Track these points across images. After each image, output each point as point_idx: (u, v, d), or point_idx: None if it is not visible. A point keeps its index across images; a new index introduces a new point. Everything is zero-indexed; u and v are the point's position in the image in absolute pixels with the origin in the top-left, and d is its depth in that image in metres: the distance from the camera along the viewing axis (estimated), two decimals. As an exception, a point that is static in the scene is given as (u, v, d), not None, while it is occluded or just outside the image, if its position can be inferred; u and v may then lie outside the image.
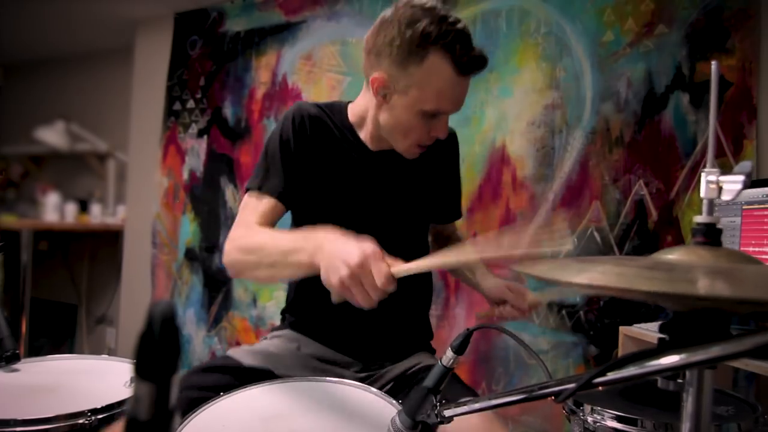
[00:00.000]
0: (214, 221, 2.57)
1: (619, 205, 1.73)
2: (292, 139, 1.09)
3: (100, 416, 0.90)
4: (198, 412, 0.83)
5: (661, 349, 0.48)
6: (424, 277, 1.26)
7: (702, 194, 0.56)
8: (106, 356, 1.23)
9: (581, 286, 0.48)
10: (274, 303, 2.36)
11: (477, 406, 0.64)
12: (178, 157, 2.73)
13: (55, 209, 3.14)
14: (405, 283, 1.19)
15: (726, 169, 0.55)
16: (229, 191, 2.53)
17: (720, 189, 0.55)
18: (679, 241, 1.65)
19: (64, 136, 3.31)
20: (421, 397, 0.69)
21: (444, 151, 1.25)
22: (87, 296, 3.45)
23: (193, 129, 2.69)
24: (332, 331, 1.15)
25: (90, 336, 3.42)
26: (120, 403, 0.93)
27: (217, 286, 2.55)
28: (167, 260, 2.73)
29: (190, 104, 2.71)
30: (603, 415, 0.94)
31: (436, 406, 0.69)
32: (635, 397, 1.02)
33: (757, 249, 1.23)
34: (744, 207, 1.26)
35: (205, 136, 2.65)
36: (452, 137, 1.27)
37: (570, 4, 1.83)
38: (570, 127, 1.82)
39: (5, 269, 2.80)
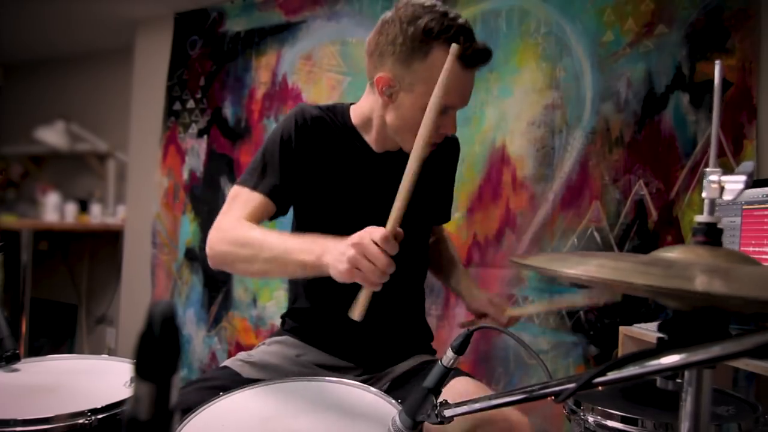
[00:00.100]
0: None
1: (619, 205, 1.73)
2: (294, 139, 1.08)
3: (100, 416, 0.89)
4: (198, 412, 0.83)
5: (661, 348, 0.48)
6: (417, 281, 1.26)
7: (704, 194, 0.57)
8: (106, 356, 1.23)
9: (579, 279, 0.48)
10: (274, 303, 2.36)
11: (477, 406, 0.64)
12: (178, 157, 2.73)
13: (55, 209, 3.14)
14: (399, 287, 1.19)
15: (726, 170, 0.55)
16: (228, 191, 2.53)
17: (722, 189, 0.55)
18: (679, 241, 1.65)
19: (64, 136, 3.31)
20: (421, 397, 0.69)
21: (446, 156, 1.25)
22: (87, 296, 3.45)
23: (193, 129, 2.69)
24: (332, 337, 1.15)
25: (90, 336, 3.42)
26: (120, 403, 0.93)
27: (217, 286, 2.54)
28: (167, 260, 2.73)
29: (190, 104, 2.71)
30: (603, 415, 0.94)
31: (436, 406, 0.69)
32: (635, 396, 1.02)
33: (757, 249, 1.23)
34: (744, 207, 1.26)
35: (205, 136, 2.65)
36: (455, 142, 1.27)
37: (570, 4, 1.83)
38: (570, 127, 1.82)
39: (5, 269, 2.80)
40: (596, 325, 1.74)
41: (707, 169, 0.56)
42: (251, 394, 0.91)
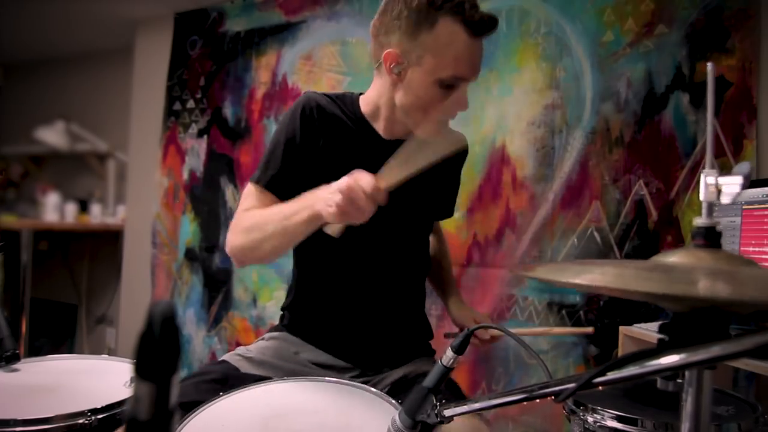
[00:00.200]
0: (214, 221, 2.57)
1: (619, 205, 1.73)
2: (299, 130, 1.08)
3: (100, 416, 0.90)
4: (198, 412, 0.83)
5: (661, 349, 0.48)
6: (418, 277, 1.26)
7: (701, 197, 0.57)
8: (106, 356, 1.23)
9: (581, 287, 0.49)
10: (274, 303, 2.36)
11: (477, 406, 0.64)
12: (178, 157, 2.73)
13: (55, 209, 3.14)
14: (399, 284, 1.19)
15: (726, 169, 0.55)
16: (229, 191, 2.53)
17: (719, 191, 0.55)
18: (679, 240, 1.65)
19: (64, 136, 3.31)
20: (421, 397, 0.69)
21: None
22: (87, 296, 3.45)
23: (193, 129, 2.69)
24: (330, 336, 1.14)
25: (90, 336, 3.42)
26: (120, 403, 0.93)
27: (217, 286, 2.54)
28: (167, 260, 2.73)
29: (190, 104, 2.71)
30: (603, 415, 0.94)
31: (436, 406, 0.69)
32: (636, 396, 1.02)
33: (757, 249, 1.23)
34: (744, 207, 1.26)
35: (205, 136, 2.65)
36: (462, 138, 1.27)
37: (570, 4, 1.83)
38: (570, 127, 1.82)
39: (5, 269, 2.80)
40: (596, 325, 1.74)
41: (704, 171, 0.56)
42: (251, 394, 0.91)
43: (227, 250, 1.07)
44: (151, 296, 2.78)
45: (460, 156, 1.28)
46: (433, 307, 1.99)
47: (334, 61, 2.29)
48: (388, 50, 1.00)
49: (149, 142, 2.84)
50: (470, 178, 1.94)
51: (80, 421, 0.88)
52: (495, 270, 1.91)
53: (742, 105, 1.57)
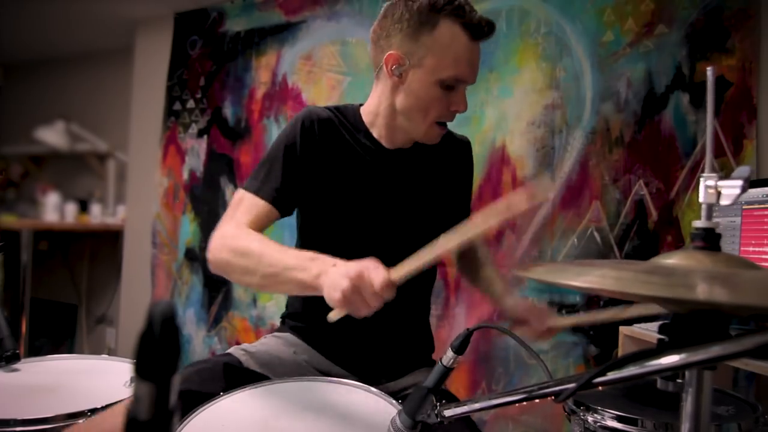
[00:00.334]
0: (214, 221, 2.56)
1: (619, 205, 1.73)
2: (299, 143, 1.08)
3: (100, 416, 0.90)
4: (198, 412, 0.83)
5: (661, 349, 0.48)
6: (423, 289, 1.25)
7: (701, 199, 0.57)
8: (106, 356, 1.24)
9: (580, 290, 0.49)
10: (274, 303, 2.36)
11: (477, 406, 0.64)
12: (178, 157, 2.73)
13: (55, 209, 3.14)
14: (404, 297, 1.18)
15: (726, 169, 0.55)
16: (229, 191, 2.54)
17: (719, 194, 0.55)
18: (679, 240, 1.65)
19: (64, 136, 3.31)
20: (421, 397, 0.69)
21: (458, 155, 1.23)
22: (87, 296, 3.45)
23: (193, 129, 2.69)
24: (331, 345, 1.14)
25: (90, 336, 3.42)
26: (120, 403, 0.93)
27: (217, 286, 2.55)
28: (167, 260, 2.73)
29: (190, 104, 2.71)
30: (603, 415, 0.94)
31: (436, 406, 0.69)
32: (636, 396, 1.02)
33: (757, 249, 1.23)
34: (744, 207, 1.26)
35: (205, 136, 2.65)
36: (467, 144, 1.26)
37: (570, 4, 1.83)
38: (570, 127, 1.82)
39: (5, 269, 2.80)
40: (596, 325, 1.74)
41: (703, 174, 0.56)
42: (251, 394, 0.91)
43: (208, 254, 1.03)
44: (151, 296, 2.78)
45: (464, 157, 1.26)
46: (433, 307, 1.99)
47: (334, 61, 2.29)
48: (390, 52, 1.02)
49: (149, 142, 2.85)
50: (470, 178, 1.94)
51: (80, 421, 0.88)
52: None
53: (742, 105, 1.57)
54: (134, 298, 2.88)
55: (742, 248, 1.26)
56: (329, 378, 1.00)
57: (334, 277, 0.83)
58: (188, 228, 2.66)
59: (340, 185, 1.10)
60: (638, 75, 1.72)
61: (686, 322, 0.50)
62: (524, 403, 0.58)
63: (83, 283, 3.45)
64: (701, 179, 0.56)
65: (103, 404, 0.91)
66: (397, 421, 0.70)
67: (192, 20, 2.73)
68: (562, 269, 0.57)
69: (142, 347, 0.31)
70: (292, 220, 1.19)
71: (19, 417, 0.85)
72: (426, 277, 1.24)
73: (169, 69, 2.79)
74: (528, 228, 1.86)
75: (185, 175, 2.69)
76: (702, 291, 0.45)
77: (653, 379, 0.53)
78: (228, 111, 2.58)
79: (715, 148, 1.57)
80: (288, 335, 1.17)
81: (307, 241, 1.14)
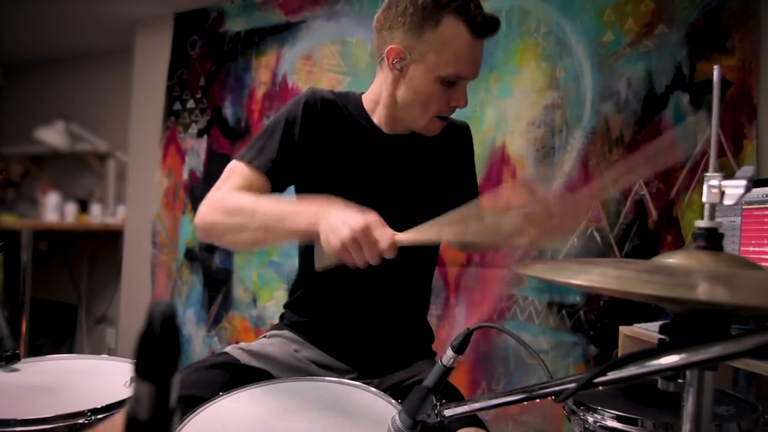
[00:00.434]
0: (214, 221, 2.56)
1: (619, 205, 1.73)
2: (300, 120, 1.08)
3: (99, 416, 0.90)
4: (198, 412, 0.83)
5: (662, 349, 0.48)
6: (424, 281, 1.25)
7: (704, 199, 0.56)
8: (106, 356, 1.23)
9: (580, 288, 0.49)
10: (274, 303, 2.36)
11: (477, 406, 0.64)
12: (178, 157, 2.73)
13: (55, 209, 3.14)
14: (406, 288, 1.19)
15: (726, 170, 0.55)
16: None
17: (722, 194, 0.55)
18: (679, 241, 1.65)
19: (64, 136, 3.31)
20: (421, 397, 0.69)
21: (457, 140, 1.23)
22: (87, 296, 3.45)
23: (193, 129, 2.69)
24: (330, 336, 1.14)
25: (90, 336, 3.42)
26: (120, 403, 0.93)
27: (217, 286, 2.55)
28: (167, 260, 2.73)
29: (190, 104, 2.71)
30: (603, 415, 0.94)
31: (436, 406, 0.69)
32: (635, 396, 1.02)
33: (757, 249, 1.23)
34: (744, 207, 1.26)
35: (205, 136, 2.65)
36: (465, 129, 1.26)
37: (570, 4, 1.83)
38: (570, 127, 1.82)
39: (5, 269, 2.80)
40: (596, 325, 1.74)
41: (707, 174, 0.56)
42: (251, 394, 0.91)
43: (196, 220, 1.02)
44: (151, 296, 2.78)
45: (465, 142, 1.26)
46: (433, 307, 1.99)
47: (334, 61, 2.29)
48: (392, 46, 1.01)
49: (149, 142, 2.85)
50: (470, 178, 1.94)
51: (80, 421, 0.88)
52: (495, 270, 1.91)
53: (742, 105, 1.57)
54: (134, 298, 2.88)
55: (742, 248, 1.26)
56: (329, 378, 1.00)
57: (334, 222, 0.82)
58: (188, 228, 2.66)
59: (339, 166, 1.10)
60: (638, 75, 1.72)
61: (687, 322, 0.50)
62: (524, 403, 0.58)
63: (83, 283, 3.45)
64: (705, 179, 0.56)
65: (103, 404, 0.91)
66: (397, 421, 0.70)
67: (192, 20, 2.73)
68: (562, 267, 0.57)
69: (142, 347, 0.31)
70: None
71: (19, 417, 0.85)
72: (426, 268, 1.24)
73: (169, 69, 2.79)
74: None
75: (185, 175, 2.69)
76: (703, 291, 0.45)
77: (653, 379, 0.53)
78: (228, 111, 2.58)
79: (717, 153, 1.57)
80: (286, 332, 1.17)
81: None
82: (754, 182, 1.23)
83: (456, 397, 1.08)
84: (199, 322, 2.59)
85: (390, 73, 1.05)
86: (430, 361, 1.21)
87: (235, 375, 1.00)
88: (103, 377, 1.08)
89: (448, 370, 0.71)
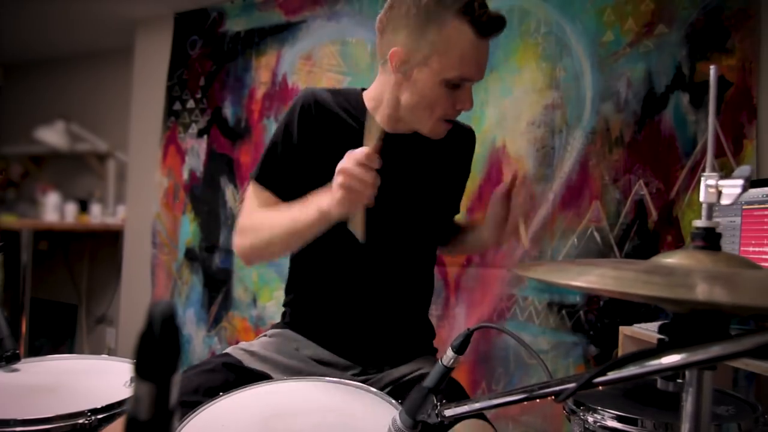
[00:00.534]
0: (214, 221, 2.57)
1: (619, 205, 1.73)
2: (296, 127, 1.08)
3: (100, 416, 0.90)
4: (198, 412, 0.83)
5: (661, 349, 0.48)
6: (424, 276, 1.25)
7: (701, 198, 0.56)
8: (106, 356, 1.24)
9: (580, 289, 0.49)
10: (274, 303, 2.36)
11: (477, 406, 0.64)
12: (178, 157, 2.73)
13: (55, 209, 3.14)
14: (406, 283, 1.19)
15: (726, 170, 0.55)
16: (229, 191, 2.54)
17: (719, 193, 0.55)
18: (679, 240, 1.65)
19: (64, 136, 3.31)
20: (421, 397, 0.69)
21: (461, 143, 1.23)
22: (87, 296, 3.45)
23: (193, 129, 2.69)
24: (331, 333, 1.14)
25: (90, 336, 3.42)
26: (120, 403, 0.93)
27: (217, 286, 2.55)
28: (167, 260, 2.73)
29: (190, 104, 2.71)
30: (603, 415, 0.95)
31: (437, 406, 0.69)
32: (636, 396, 1.02)
33: (757, 249, 1.23)
34: (744, 207, 1.26)
35: (205, 136, 2.65)
36: (470, 133, 1.26)
37: (570, 4, 1.83)
38: (570, 127, 1.82)
39: (5, 269, 2.80)
40: (596, 325, 1.74)
41: (704, 174, 0.56)
42: (251, 394, 0.91)
43: (236, 251, 1.10)
44: (151, 296, 2.78)
45: (467, 146, 1.27)
46: (433, 307, 1.99)
47: (334, 61, 2.29)
48: (395, 49, 1.00)
49: (149, 142, 2.84)
50: (470, 177, 1.93)
51: (80, 421, 0.88)
52: (495, 270, 1.91)
53: (742, 105, 1.57)
54: (134, 298, 2.88)
55: (742, 248, 1.26)
56: (329, 378, 1.00)
57: (328, 191, 0.91)
58: (188, 228, 2.66)
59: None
60: (638, 75, 1.72)
61: (686, 322, 0.50)
62: (524, 403, 0.58)
63: (83, 283, 3.45)
64: (702, 178, 0.56)
65: (103, 404, 0.91)
66: (398, 421, 0.70)
67: (192, 20, 2.73)
68: (562, 269, 0.57)
69: (142, 347, 0.31)
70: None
71: (19, 417, 0.85)
72: (426, 262, 1.24)
73: (169, 69, 2.79)
74: (528, 228, 1.86)
75: (185, 175, 2.69)
76: (702, 291, 0.45)
77: (653, 379, 0.53)
78: (228, 111, 2.58)
79: (715, 148, 1.57)
80: (287, 331, 1.17)
81: None
82: (754, 182, 1.23)
83: (460, 393, 1.08)
84: (199, 322, 2.59)
85: (393, 75, 1.04)
86: (431, 357, 1.21)
87: (238, 377, 1.00)
88: (103, 377, 1.08)
89: (448, 371, 0.71)
